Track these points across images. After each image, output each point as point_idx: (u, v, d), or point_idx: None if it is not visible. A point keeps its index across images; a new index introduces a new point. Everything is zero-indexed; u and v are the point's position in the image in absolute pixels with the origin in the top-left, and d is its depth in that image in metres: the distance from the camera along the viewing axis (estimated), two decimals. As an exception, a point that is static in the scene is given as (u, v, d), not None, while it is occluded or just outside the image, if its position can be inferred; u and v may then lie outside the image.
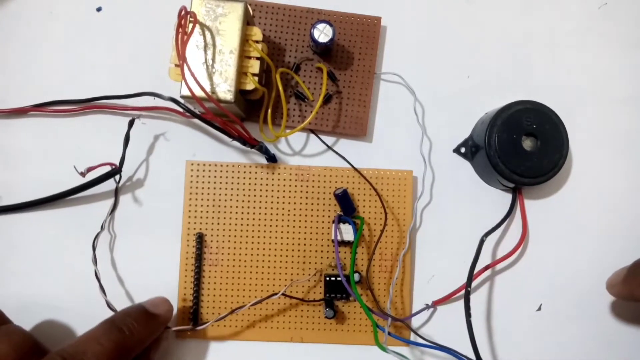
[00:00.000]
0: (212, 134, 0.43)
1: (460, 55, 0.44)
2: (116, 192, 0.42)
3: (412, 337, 0.41)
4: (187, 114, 0.40)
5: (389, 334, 0.38)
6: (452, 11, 0.45)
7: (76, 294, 0.41)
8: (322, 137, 0.44)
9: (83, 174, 0.39)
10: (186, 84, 0.36)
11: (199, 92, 0.36)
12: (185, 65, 0.36)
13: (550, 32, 0.45)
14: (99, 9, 0.44)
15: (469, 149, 0.44)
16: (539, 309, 0.42)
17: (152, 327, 0.37)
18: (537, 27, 0.45)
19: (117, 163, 0.41)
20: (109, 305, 0.38)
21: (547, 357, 0.42)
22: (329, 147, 0.43)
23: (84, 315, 0.39)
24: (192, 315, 0.41)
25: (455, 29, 0.45)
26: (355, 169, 0.42)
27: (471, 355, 0.37)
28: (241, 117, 0.42)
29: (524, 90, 0.44)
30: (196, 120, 0.42)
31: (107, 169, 0.41)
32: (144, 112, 0.43)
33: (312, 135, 0.44)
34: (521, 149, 0.40)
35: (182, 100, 0.39)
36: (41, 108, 0.42)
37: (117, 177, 0.41)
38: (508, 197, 0.43)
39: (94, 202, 0.42)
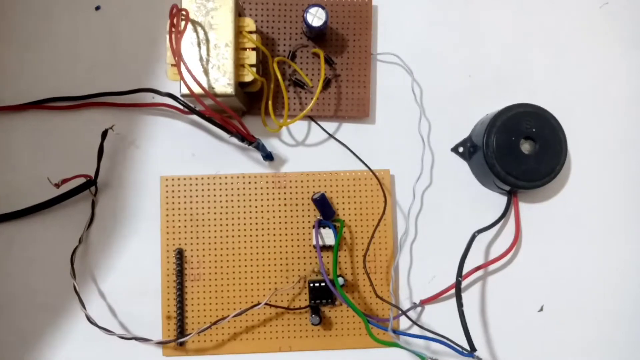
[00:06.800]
0: (210, 130, 0.43)
1: (460, 56, 0.44)
2: (93, 205, 0.42)
3: (412, 330, 0.42)
4: (186, 110, 0.40)
5: (394, 331, 0.38)
6: (451, 11, 0.44)
7: (56, 306, 0.41)
8: (326, 122, 0.43)
9: (57, 185, 0.39)
10: (184, 82, 0.36)
11: (198, 90, 0.36)
12: (182, 63, 0.36)
13: (551, 32, 0.44)
14: (97, 8, 0.44)
15: (467, 149, 0.43)
16: (541, 309, 0.42)
17: None
18: (537, 26, 0.44)
19: (92, 175, 0.40)
20: (89, 319, 0.39)
21: (544, 357, 0.42)
22: (330, 135, 0.43)
23: (63, 330, 0.41)
24: (178, 331, 0.41)
25: (455, 29, 0.44)
26: (357, 157, 0.42)
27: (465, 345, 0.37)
28: (242, 110, 0.42)
29: (523, 91, 0.43)
30: (194, 117, 0.42)
31: (82, 180, 0.40)
32: (142, 109, 0.43)
33: (314, 124, 0.43)
34: (519, 151, 0.40)
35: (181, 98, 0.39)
36: (40, 105, 0.43)
37: (93, 189, 0.41)
38: (505, 200, 0.42)
39: (72, 214, 0.42)
